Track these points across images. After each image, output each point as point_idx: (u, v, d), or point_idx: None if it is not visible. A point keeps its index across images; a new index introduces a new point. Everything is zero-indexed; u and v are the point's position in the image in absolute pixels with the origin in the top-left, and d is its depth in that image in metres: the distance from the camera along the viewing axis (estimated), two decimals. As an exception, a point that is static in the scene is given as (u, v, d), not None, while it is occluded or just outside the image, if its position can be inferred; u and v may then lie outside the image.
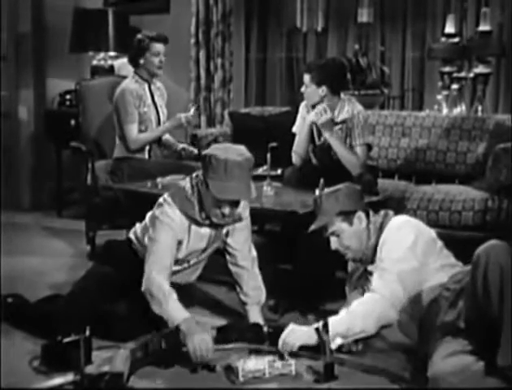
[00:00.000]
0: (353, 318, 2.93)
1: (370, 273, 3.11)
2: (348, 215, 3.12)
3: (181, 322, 2.99)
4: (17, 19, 6.21)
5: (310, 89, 4.17)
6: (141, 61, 4.68)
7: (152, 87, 4.77)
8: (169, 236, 3.17)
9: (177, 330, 2.99)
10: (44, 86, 6.38)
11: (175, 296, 3.07)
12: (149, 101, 4.72)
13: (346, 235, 3.12)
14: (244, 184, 3.09)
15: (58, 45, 6.12)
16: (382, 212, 3.19)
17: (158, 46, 4.67)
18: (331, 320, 2.92)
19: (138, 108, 4.64)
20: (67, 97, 6.17)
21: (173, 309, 3.03)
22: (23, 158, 6.37)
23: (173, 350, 2.99)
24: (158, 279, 3.09)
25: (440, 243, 3.08)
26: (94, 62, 6.11)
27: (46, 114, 6.26)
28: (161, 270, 3.12)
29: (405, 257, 2.97)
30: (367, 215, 3.16)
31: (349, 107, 4.19)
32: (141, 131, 4.66)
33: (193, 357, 2.93)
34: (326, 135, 4.14)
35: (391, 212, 3.20)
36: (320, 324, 2.89)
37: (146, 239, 3.28)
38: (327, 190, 3.23)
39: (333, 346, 2.89)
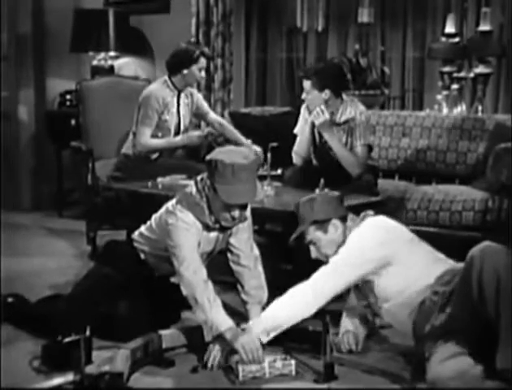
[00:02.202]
0: (278, 313, 2.99)
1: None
2: (322, 224, 3.11)
3: (226, 330, 3.01)
4: (17, 20, 6.21)
5: (312, 95, 4.15)
6: (185, 71, 4.60)
7: (181, 95, 4.71)
8: (191, 238, 3.16)
9: (200, 327, 3.08)
10: (44, 86, 6.38)
11: (219, 302, 3.09)
12: (174, 109, 4.67)
13: (322, 243, 3.11)
14: (251, 187, 3.11)
15: (59, 46, 6.13)
16: (361, 215, 3.17)
17: (205, 62, 4.65)
18: (263, 317, 3.05)
19: (161, 115, 4.61)
20: (68, 97, 6.18)
21: (218, 318, 3.04)
22: (24, 159, 6.37)
23: (197, 347, 3.05)
24: (200, 283, 3.09)
25: (421, 243, 3.03)
26: (95, 63, 6.11)
27: (47, 114, 6.26)
28: (199, 272, 3.12)
29: (352, 249, 2.98)
30: (345, 221, 3.15)
31: (351, 108, 4.19)
32: (156, 137, 4.64)
33: (244, 359, 2.94)
34: (325, 135, 4.15)
35: (370, 212, 3.18)
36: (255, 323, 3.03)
37: (168, 246, 3.22)
38: (303, 199, 3.22)
39: (264, 340, 2.95)
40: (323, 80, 4.14)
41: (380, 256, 2.95)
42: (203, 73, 4.69)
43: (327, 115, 4.11)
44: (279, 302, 3.02)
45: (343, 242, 3.09)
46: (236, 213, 3.13)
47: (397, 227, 3.09)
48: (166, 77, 4.69)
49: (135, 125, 4.66)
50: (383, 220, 3.11)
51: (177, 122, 4.71)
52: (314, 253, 3.16)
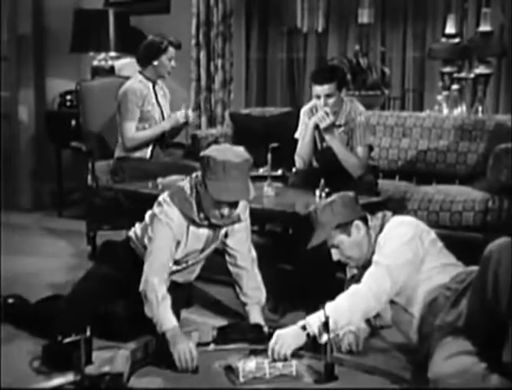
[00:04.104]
0: (339, 311, 2.89)
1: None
2: (345, 226, 3.09)
3: (167, 330, 3.00)
4: (17, 20, 6.22)
5: (336, 97, 4.09)
6: (155, 62, 4.68)
7: (156, 87, 4.77)
8: (168, 236, 3.17)
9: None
10: (44, 87, 6.38)
11: (168, 302, 3.07)
12: (154, 100, 4.73)
13: (346, 246, 3.09)
14: (242, 185, 3.10)
15: (59, 46, 6.13)
16: (379, 214, 3.16)
17: (174, 51, 4.71)
18: (318, 316, 2.89)
19: (142, 107, 4.65)
20: (68, 97, 6.18)
21: (163, 316, 3.04)
22: (24, 159, 6.37)
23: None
24: (154, 281, 3.08)
25: (440, 244, 3.06)
26: (95, 63, 6.12)
27: (47, 114, 6.26)
28: (159, 270, 3.12)
29: (397, 251, 2.94)
30: (366, 221, 3.14)
31: (351, 109, 4.18)
32: (144, 129, 4.66)
33: (178, 365, 2.94)
34: (327, 138, 4.13)
35: (389, 213, 3.17)
36: (317, 319, 2.88)
37: (146, 239, 3.28)
38: (321, 203, 3.21)
39: (322, 341, 2.86)
40: (342, 79, 4.15)
41: (420, 252, 2.96)
42: (173, 62, 4.74)
43: (331, 118, 4.09)
44: (337, 305, 2.92)
45: (369, 242, 3.08)
46: (225, 210, 3.13)
47: (424, 226, 3.08)
48: (137, 73, 4.77)
49: (119, 127, 4.68)
50: (413, 220, 3.12)
51: (160, 112, 4.76)
52: (336, 256, 3.13)
